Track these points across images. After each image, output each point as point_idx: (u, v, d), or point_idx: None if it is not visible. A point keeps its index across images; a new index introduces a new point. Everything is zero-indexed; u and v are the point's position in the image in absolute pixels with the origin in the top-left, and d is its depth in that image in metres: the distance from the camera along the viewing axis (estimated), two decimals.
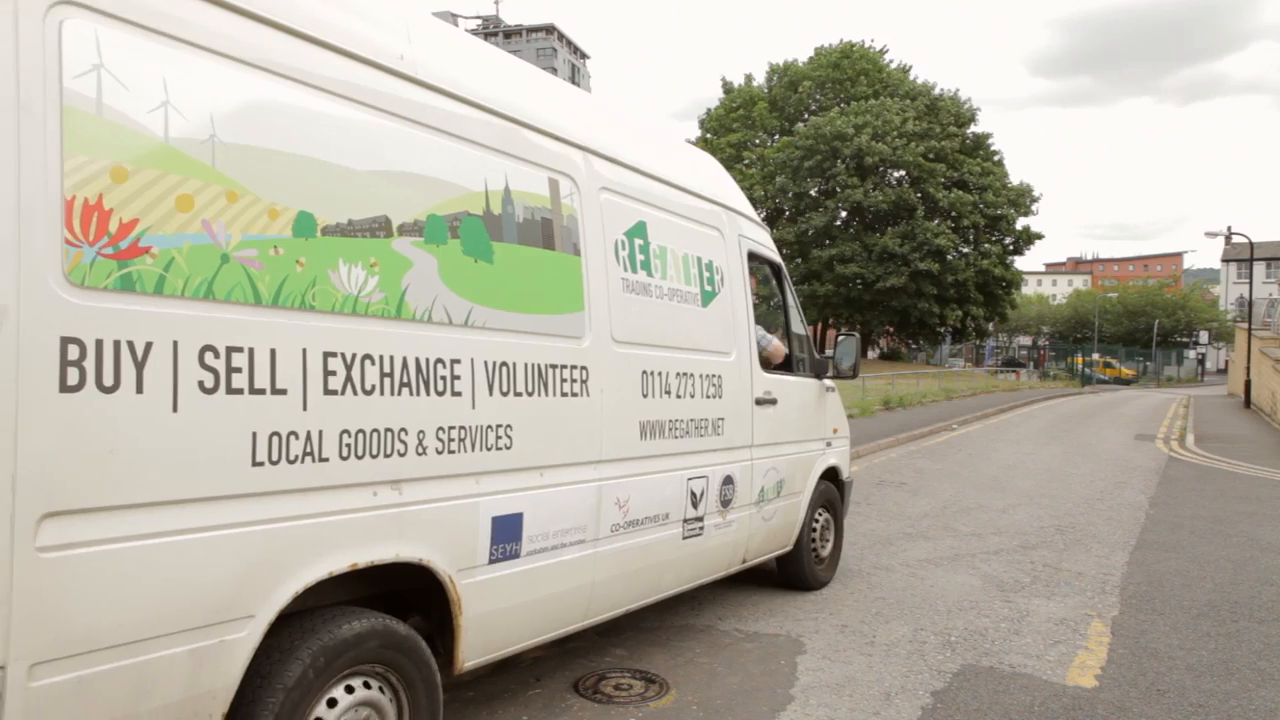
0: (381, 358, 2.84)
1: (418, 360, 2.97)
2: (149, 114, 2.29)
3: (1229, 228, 40.41)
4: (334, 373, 2.69)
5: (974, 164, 36.92)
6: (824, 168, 37.12)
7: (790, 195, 40.27)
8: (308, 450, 2.61)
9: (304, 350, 2.60)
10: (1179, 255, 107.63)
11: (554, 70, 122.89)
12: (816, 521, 5.96)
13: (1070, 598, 5.80)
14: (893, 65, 40.00)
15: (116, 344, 2.16)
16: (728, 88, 41.47)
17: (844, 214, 41.18)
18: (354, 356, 2.75)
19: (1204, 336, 66.16)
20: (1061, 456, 13.72)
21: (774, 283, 5.80)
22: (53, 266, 2.06)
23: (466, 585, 3.14)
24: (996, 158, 39.01)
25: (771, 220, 41.27)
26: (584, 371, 3.72)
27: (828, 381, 6.08)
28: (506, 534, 3.33)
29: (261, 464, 2.48)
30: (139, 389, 2.21)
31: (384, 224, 2.91)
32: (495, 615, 3.31)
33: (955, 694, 4.16)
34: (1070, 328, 70.34)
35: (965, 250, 38.49)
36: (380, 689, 2.85)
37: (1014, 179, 38.55)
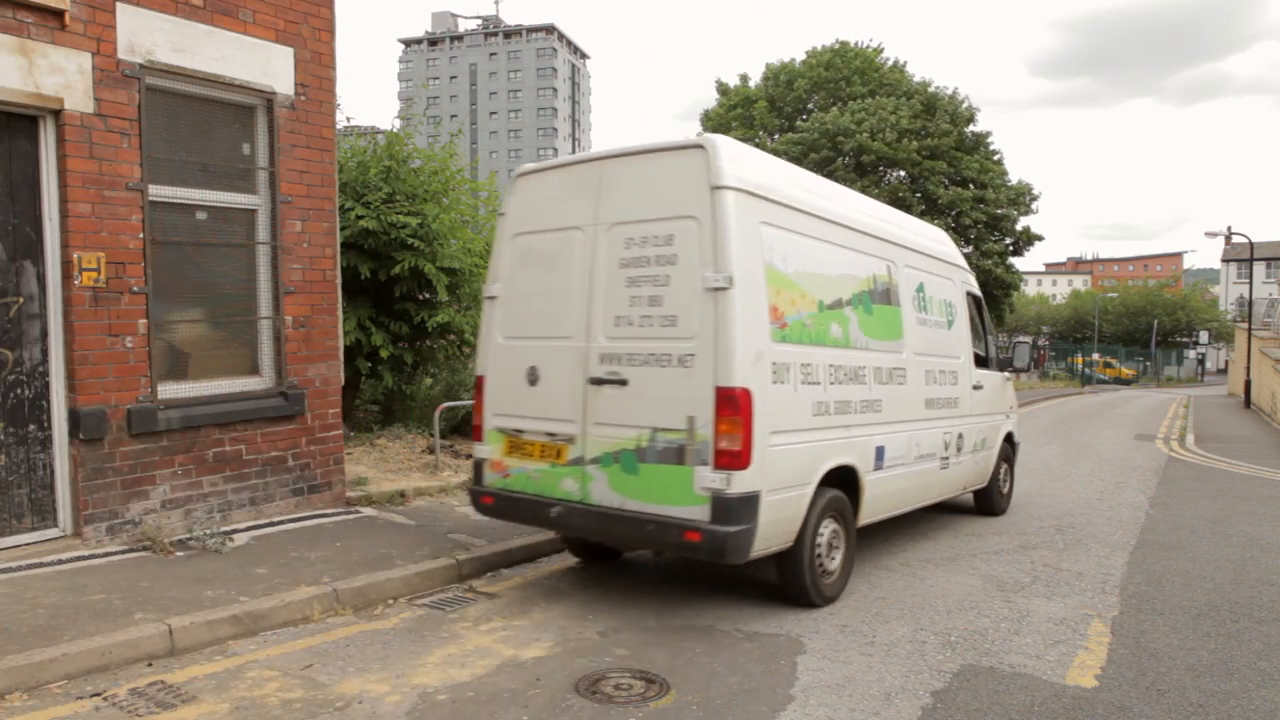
0: (844, 366, 5.73)
1: (853, 368, 5.85)
2: (780, 261, 5.21)
3: (1229, 228, 40.41)
4: (833, 374, 5.59)
5: (972, 161, 36.78)
6: (826, 163, 37.05)
7: None
8: (826, 410, 5.49)
9: (825, 364, 5.51)
10: (1179, 255, 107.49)
11: (554, 70, 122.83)
12: (1001, 470, 8.70)
13: (1070, 598, 5.80)
14: (888, 64, 39.85)
15: (780, 365, 5.07)
16: (723, 89, 41.39)
17: None
18: (838, 366, 5.65)
19: (1204, 336, 66.06)
20: (1061, 456, 13.71)
21: (976, 310, 8.49)
22: (768, 334, 5.01)
23: (866, 480, 5.93)
24: (996, 157, 38.87)
25: None
26: (904, 371, 6.54)
27: (1007, 374, 9.05)
28: (880, 456, 6.14)
29: (816, 415, 5.39)
30: (786, 383, 5.11)
31: (840, 302, 5.82)
32: (873, 499, 6.07)
33: (955, 694, 4.16)
34: (1070, 328, 70.27)
35: (966, 250, 38.41)
36: (837, 524, 5.65)
37: (1014, 179, 38.32)
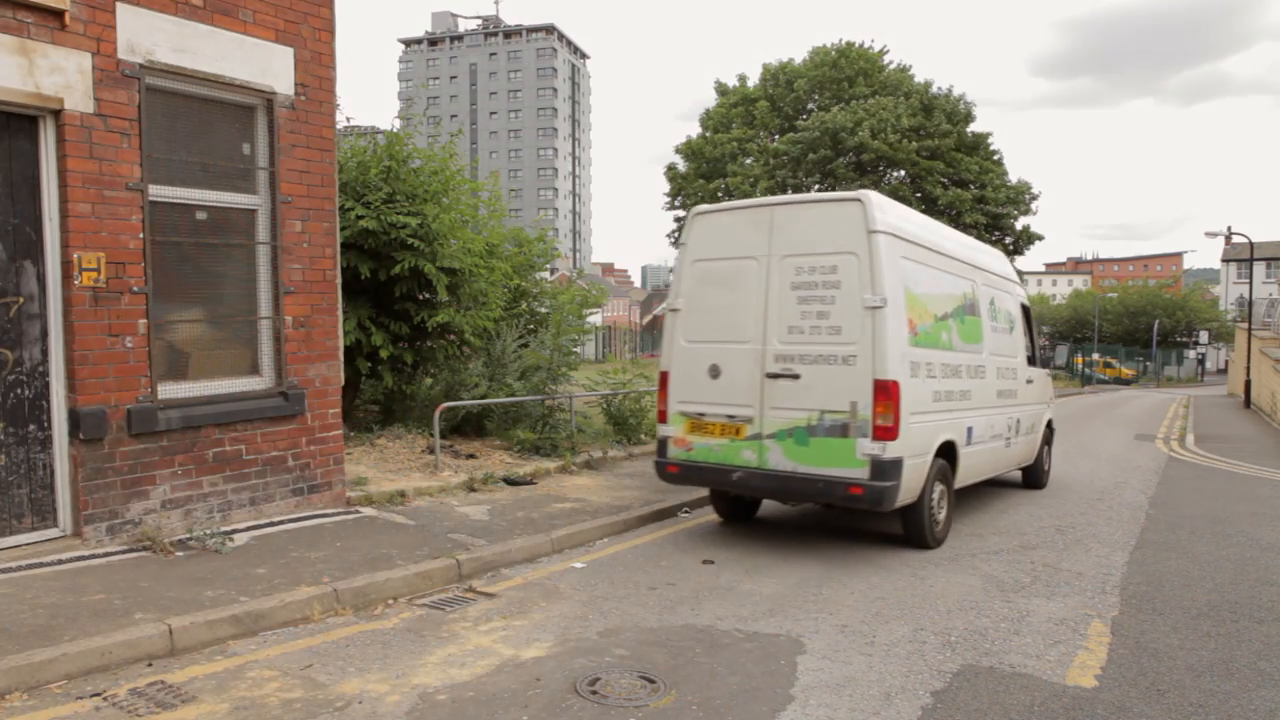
0: (949, 364, 7.36)
1: (954, 365, 7.47)
2: (913, 285, 6.91)
3: (1229, 228, 40.37)
4: (943, 370, 7.21)
5: (971, 161, 36.73)
6: (826, 162, 37.00)
7: (790, 190, 40.05)
8: (939, 397, 7.10)
9: (939, 362, 7.15)
10: (1179, 255, 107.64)
11: (554, 70, 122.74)
12: (1043, 451, 10.45)
13: (1070, 598, 5.80)
14: (892, 66, 39.84)
15: (915, 363, 6.74)
16: (722, 90, 41.39)
17: None
18: (946, 364, 7.27)
19: (1204, 336, 65.99)
20: (1061, 456, 13.70)
21: (1025, 318, 10.08)
22: (907, 340, 6.67)
23: (962, 453, 7.55)
24: (996, 157, 38.82)
25: None
26: (983, 368, 8.20)
27: (1048, 371, 11.08)
28: (970, 434, 7.75)
29: (934, 401, 7.02)
30: (918, 376, 6.77)
31: (946, 314, 7.46)
32: (965, 468, 7.71)
33: (955, 694, 4.16)
34: (1070, 328, 70.20)
35: None
36: (943, 486, 7.23)
37: (1013, 179, 38.25)
